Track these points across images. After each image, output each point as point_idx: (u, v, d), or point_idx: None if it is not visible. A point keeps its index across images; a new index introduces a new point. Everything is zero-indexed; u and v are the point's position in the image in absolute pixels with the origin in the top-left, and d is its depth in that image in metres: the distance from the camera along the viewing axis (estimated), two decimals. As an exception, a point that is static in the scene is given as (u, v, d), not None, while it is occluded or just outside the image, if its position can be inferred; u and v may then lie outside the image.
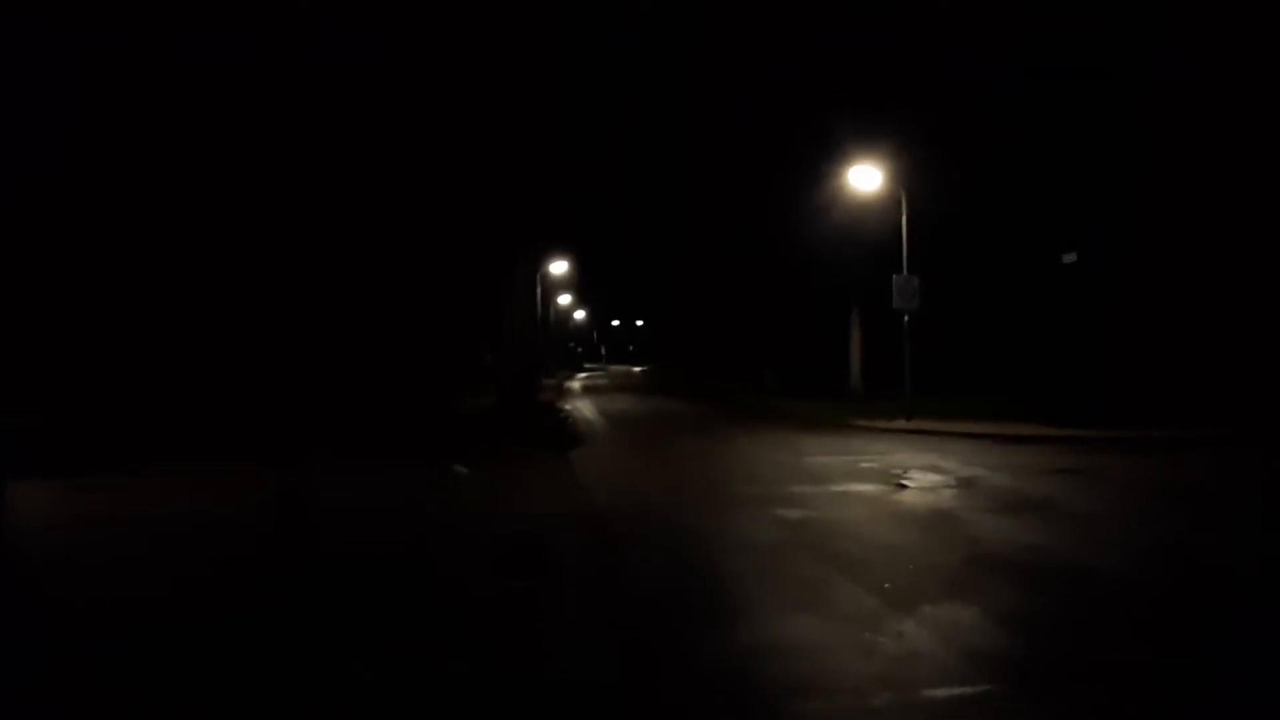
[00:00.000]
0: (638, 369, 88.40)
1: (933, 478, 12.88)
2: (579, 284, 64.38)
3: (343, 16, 19.78)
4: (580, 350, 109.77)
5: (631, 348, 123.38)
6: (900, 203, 22.56)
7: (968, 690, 5.10)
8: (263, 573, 7.84)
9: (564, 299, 65.75)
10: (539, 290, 35.70)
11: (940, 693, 5.07)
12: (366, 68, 20.65)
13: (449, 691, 5.24)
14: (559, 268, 45.51)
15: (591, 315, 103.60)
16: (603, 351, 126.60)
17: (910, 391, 21.78)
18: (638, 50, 26.87)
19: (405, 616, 6.55)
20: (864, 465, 14.36)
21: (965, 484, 12.26)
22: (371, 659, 5.67)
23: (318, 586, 7.36)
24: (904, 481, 12.58)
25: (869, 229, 25.84)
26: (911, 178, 22.99)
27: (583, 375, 73.74)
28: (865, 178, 23.54)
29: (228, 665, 5.65)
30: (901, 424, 20.68)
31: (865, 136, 23.82)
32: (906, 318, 21.98)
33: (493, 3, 20.86)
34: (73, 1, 18.39)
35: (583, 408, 32.04)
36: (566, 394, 41.61)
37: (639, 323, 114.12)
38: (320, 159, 21.61)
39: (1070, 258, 21.08)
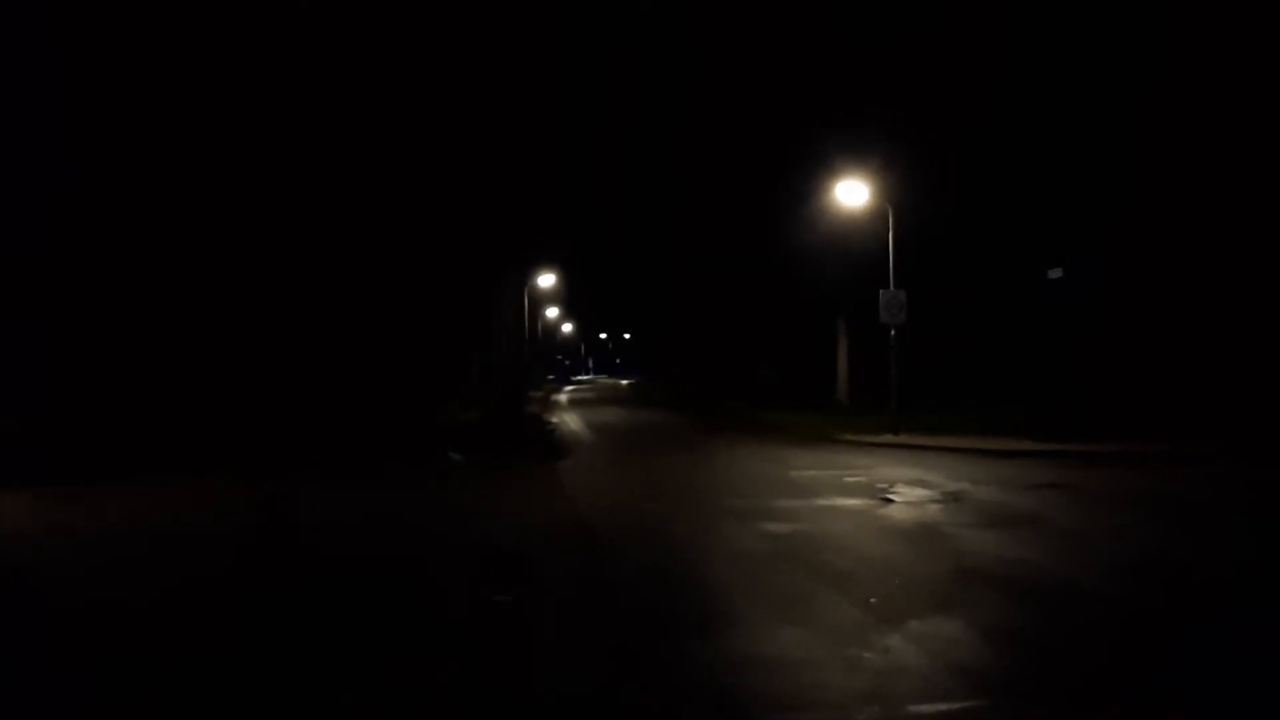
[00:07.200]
0: (625, 382, 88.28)
1: (919, 492, 12.87)
2: (567, 297, 64.39)
3: (340, 21, 19.81)
4: (568, 363, 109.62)
5: (619, 361, 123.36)
6: (887, 217, 22.63)
7: (953, 705, 5.08)
8: (245, 585, 7.78)
9: (551, 312, 65.72)
10: (527, 303, 35.69)
11: (926, 708, 5.04)
12: (359, 75, 20.67)
13: (432, 706, 5.20)
14: (547, 280, 45.52)
15: (580, 328, 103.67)
16: (590, 364, 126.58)
17: (897, 405, 21.78)
18: (626, 64, 26.98)
19: (389, 630, 6.50)
20: (850, 479, 14.34)
21: (951, 498, 12.25)
22: (354, 673, 5.61)
23: (300, 599, 7.30)
24: (890, 495, 12.57)
25: (856, 243, 25.90)
26: (898, 192, 23.07)
27: (570, 388, 73.53)
28: (852, 192, 23.57)
29: (205, 681, 5.59)
30: (888, 438, 20.69)
31: (852, 151, 23.91)
32: (893, 332, 22.02)
33: (488, 14, 20.93)
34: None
35: (570, 420, 31.97)
36: (554, 406, 41.53)
37: (626, 336, 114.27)
38: (311, 172, 21.56)
39: (1056, 273, 21.16)
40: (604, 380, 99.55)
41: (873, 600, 7.11)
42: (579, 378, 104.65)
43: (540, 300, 51.42)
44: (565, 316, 79.65)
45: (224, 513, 11.44)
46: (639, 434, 26.77)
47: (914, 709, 5.03)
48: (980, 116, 24.26)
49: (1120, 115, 21.51)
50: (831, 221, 26.09)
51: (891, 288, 22.14)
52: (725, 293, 41.86)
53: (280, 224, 21.45)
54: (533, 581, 7.65)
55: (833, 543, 9.51)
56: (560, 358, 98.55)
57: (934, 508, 11.59)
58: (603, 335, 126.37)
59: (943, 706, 5.06)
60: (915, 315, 22.33)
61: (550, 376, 75.70)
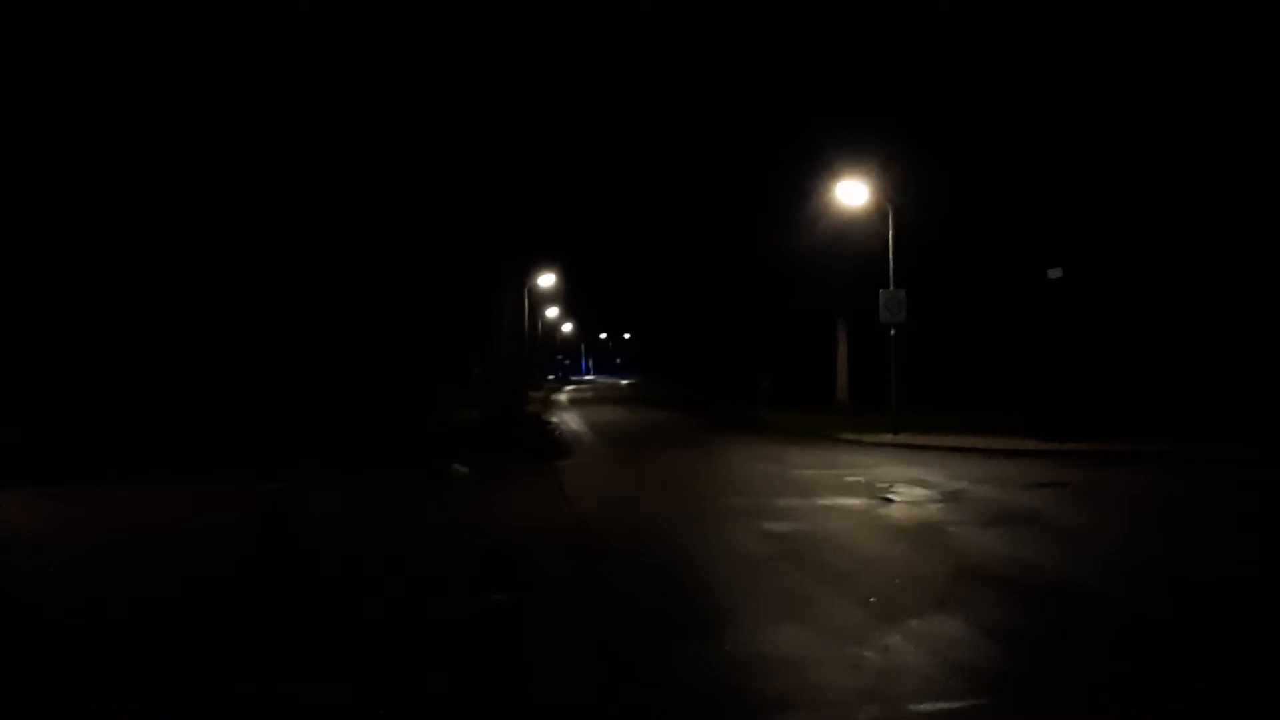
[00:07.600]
0: (625, 382, 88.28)
1: (919, 491, 12.87)
2: (567, 297, 64.48)
3: (340, 22, 19.85)
4: (568, 363, 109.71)
5: (619, 360, 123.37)
6: (887, 217, 22.63)
7: (954, 704, 5.09)
8: (246, 586, 7.79)
9: (552, 312, 65.76)
10: (527, 303, 35.73)
11: (926, 706, 5.05)
12: (360, 76, 20.71)
13: (431, 706, 5.21)
14: (547, 280, 45.59)
15: (580, 328, 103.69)
16: (590, 364, 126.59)
17: (897, 405, 21.79)
18: (626, 64, 27.02)
19: (388, 630, 6.51)
20: (850, 479, 14.34)
21: (951, 497, 12.26)
22: (353, 673, 5.63)
23: (300, 599, 7.32)
24: (890, 495, 12.58)
25: (856, 243, 25.91)
26: (898, 192, 23.07)
27: (570, 388, 73.54)
28: (852, 193, 23.57)
29: (206, 680, 5.60)
30: (888, 437, 20.69)
31: (852, 151, 23.91)
32: (893, 332, 22.02)
33: (489, 14, 20.98)
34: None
35: (570, 420, 31.95)
36: (554, 406, 41.52)
37: (626, 336, 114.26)
38: (313, 174, 21.60)
39: (1056, 273, 21.17)
40: (604, 380, 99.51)
41: (873, 599, 7.12)
42: (579, 377, 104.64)
43: (540, 300, 51.46)
44: (565, 316, 79.72)
45: (226, 513, 11.45)
46: (639, 433, 26.75)
47: (914, 708, 5.04)
48: (980, 116, 24.27)
49: (1120, 115, 21.51)
50: (831, 221, 26.09)
51: (891, 287, 22.16)
52: (725, 292, 41.87)
53: (282, 226, 21.49)
54: (532, 581, 7.66)
55: (833, 542, 9.52)
56: (560, 357, 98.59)
57: (934, 507, 11.60)
58: (603, 335, 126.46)
59: (943, 705, 5.07)
60: (915, 315, 22.33)
61: (550, 376, 75.72)
